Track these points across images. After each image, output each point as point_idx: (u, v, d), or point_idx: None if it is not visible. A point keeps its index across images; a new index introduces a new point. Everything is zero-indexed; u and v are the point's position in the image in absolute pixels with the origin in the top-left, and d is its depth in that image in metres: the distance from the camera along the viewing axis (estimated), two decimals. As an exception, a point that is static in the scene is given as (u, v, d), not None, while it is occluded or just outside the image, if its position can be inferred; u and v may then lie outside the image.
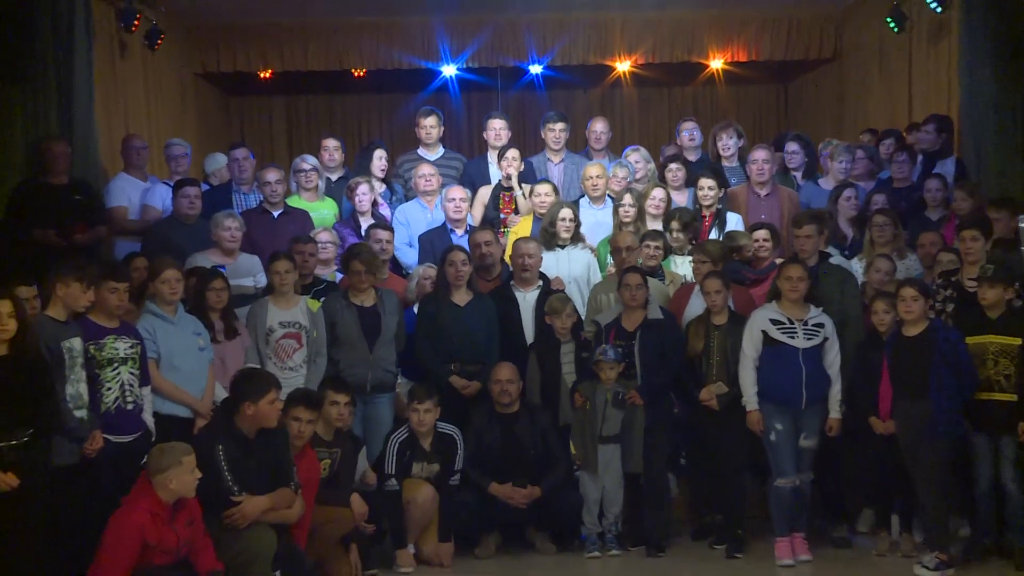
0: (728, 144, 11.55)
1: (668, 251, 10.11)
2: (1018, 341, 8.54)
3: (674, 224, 10.26)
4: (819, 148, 12.13)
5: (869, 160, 11.53)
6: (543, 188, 10.61)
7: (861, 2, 14.58)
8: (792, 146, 12.03)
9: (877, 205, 10.35)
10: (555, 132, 11.46)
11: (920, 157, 11.40)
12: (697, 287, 9.39)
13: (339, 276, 9.80)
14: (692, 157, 11.55)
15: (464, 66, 15.73)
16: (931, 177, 10.86)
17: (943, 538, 8.56)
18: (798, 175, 11.63)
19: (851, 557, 9.09)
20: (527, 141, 13.25)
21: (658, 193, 10.61)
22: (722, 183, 10.79)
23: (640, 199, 10.50)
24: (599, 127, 11.63)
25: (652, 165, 11.44)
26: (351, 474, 8.79)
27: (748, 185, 10.89)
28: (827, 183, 11.35)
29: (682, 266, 10.13)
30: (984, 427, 8.58)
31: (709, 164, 11.26)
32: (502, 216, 10.76)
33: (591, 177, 10.78)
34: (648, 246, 9.88)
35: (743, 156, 11.33)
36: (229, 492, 7.66)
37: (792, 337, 8.77)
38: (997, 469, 8.60)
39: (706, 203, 10.57)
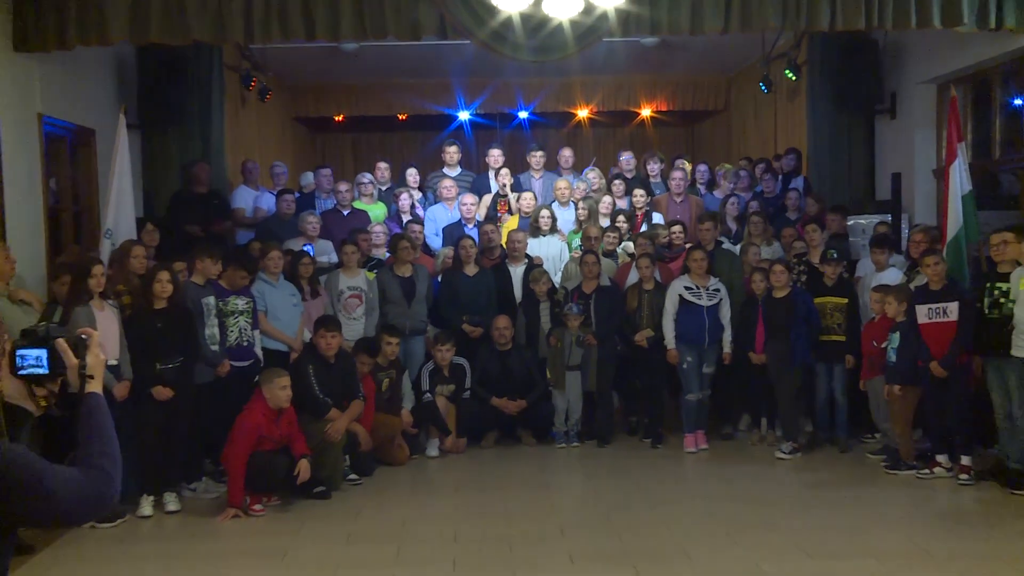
0: (653, 167, 11.56)
1: (622, 239, 10.13)
2: (846, 300, 8.72)
3: (620, 218, 10.31)
4: (715, 170, 12.19)
5: (749, 178, 11.65)
6: (527, 195, 10.61)
7: (742, 71, 14.56)
8: (701, 167, 12.05)
9: (753, 209, 10.44)
10: (536, 158, 11.41)
11: (780, 176, 11.55)
12: (634, 264, 9.43)
13: (387, 255, 9.82)
14: (628, 176, 11.59)
15: (474, 112, 15.79)
16: (790, 190, 10.98)
17: (795, 433, 8.73)
18: (703, 187, 11.71)
19: (734, 447, 9.23)
20: (517, 163, 13.29)
21: (607, 199, 10.69)
22: (649, 192, 10.85)
23: (594, 204, 10.60)
24: (567, 153, 11.62)
25: (604, 180, 11.48)
26: (400, 389, 8.94)
27: (668, 194, 10.94)
28: (720, 193, 11.45)
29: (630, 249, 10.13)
30: (823, 358, 8.75)
31: (640, 180, 11.35)
32: (499, 215, 10.76)
33: (560, 188, 10.74)
34: (609, 236, 9.95)
35: (663, 175, 11.39)
36: (315, 396, 7.91)
37: (699, 298, 8.86)
38: (831, 387, 8.82)
39: (639, 206, 10.62)
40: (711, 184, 11.83)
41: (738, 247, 9.88)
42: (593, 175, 11.47)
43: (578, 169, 11.93)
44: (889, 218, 9.94)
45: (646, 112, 16.22)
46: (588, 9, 7.83)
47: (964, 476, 7.71)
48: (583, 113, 16.21)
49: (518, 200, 10.74)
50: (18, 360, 2.37)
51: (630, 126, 17.33)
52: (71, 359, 2.40)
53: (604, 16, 7.94)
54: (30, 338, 2.39)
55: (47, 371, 2.37)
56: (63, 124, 9.12)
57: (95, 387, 2.42)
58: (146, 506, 7.36)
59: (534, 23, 8.01)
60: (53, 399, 2.42)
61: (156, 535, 7.07)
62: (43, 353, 2.37)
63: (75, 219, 9.53)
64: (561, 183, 10.88)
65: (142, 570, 6.26)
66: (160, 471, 7.49)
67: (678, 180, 10.96)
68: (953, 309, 7.65)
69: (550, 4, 7.70)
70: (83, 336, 2.46)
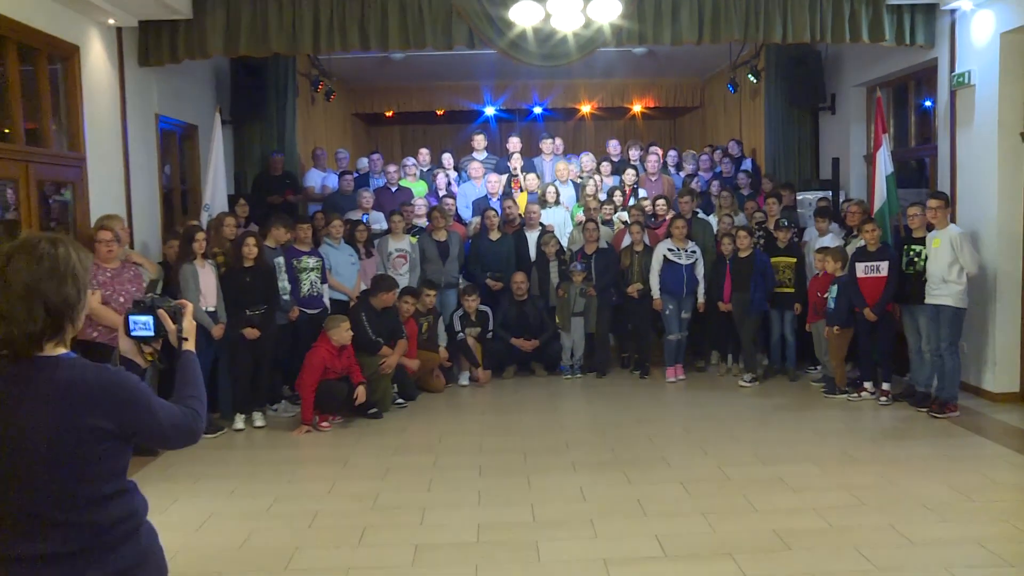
0: (634, 152, 11.50)
1: (617, 210, 10.09)
2: (795, 260, 8.72)
3: (617, 193, 10.30)
4: (682, 154, 12.09)
5: (710, 161, 11.58)
6: (531, 176, 10.62)
7: (714, 76, 14.35)
8: (672, 152, 11.94)
9: (716, 186, 10.41)
10: (547, 144, 11.40)
11: (732, 160, 11.41)
12: (627, 230, 9.40)
13: (427, 223, 9.76)
14: (615, 159, 11.50)
15: (498, 108, 15.69)
16: (741, 172, 10.91)
17: (753, 366, 8.78)
18: (674, 169, 11.63)
19: (705, 377, 9.24)
20: (532, 149, 13.25)
21: (597, 178, 10.67)
22: (636, 173, 10.85)
23: (590, 182, 10.54)
24: (558, 142, 11.59)
25: (595, 163, 11.40)
26: (436, 331, 8.97)
27: (645, 174, 10.92)
28: (683, 174, 11.37)
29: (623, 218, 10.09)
30: (776, 306, 8.77)
31: (624, 162, 11.31)
32: (512, 191, 10.75)
33: (559, 170, 10.71)
34: (605, 208, 9.89)
35: (641, 159, 11.34)
36: (369, 338, 7.95)
37: (679, 258, 8.86)
38: (783, 329, 8.84)
39: (628, 183, 10.55)
40: (679, 166, 11.79)
41: (710, 217, 9.85)
42: (587, 159, 11.43)
43: (577, 152, 11.88)
44: (830, 194, 9.90)
45: (637, 108, 16.06)
46: (587, 24, 7.78)
47: (884, 399, 7.87)
48: (586, 108, 16.03)
49: (524, 180, 10.72)
50: (131, 324, 2.46)
51: (624, 119, 17.12)
52: (170, 324, 2.49)
53: (600, 29, 7.88)
54: (139, 307, 2.48)
55: (152, 333, 2.46)
56: (174, 121, 9.21)
57: (189, 346, 2.54)
58: (239, 422, 7.54)
59: (543, 35, 7.96)
60: (157, 355, 2.51)
61: (247, 444, 7.21)
62: (149, 319, 2.45)
63: (182, 197, 9.63)
64: (560, 165, 10.84)
65: (237, 470, 6.39)
66: (249, 395, 7.62)
67: (652, 162, 10.95)
68: (884, 267, 7.71)
69: (557, 19, 7.65)
70: (179, 306, 2.55)
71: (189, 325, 2.55)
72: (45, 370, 2.14)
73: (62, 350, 2.19)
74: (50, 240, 2.21)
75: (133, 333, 2.47)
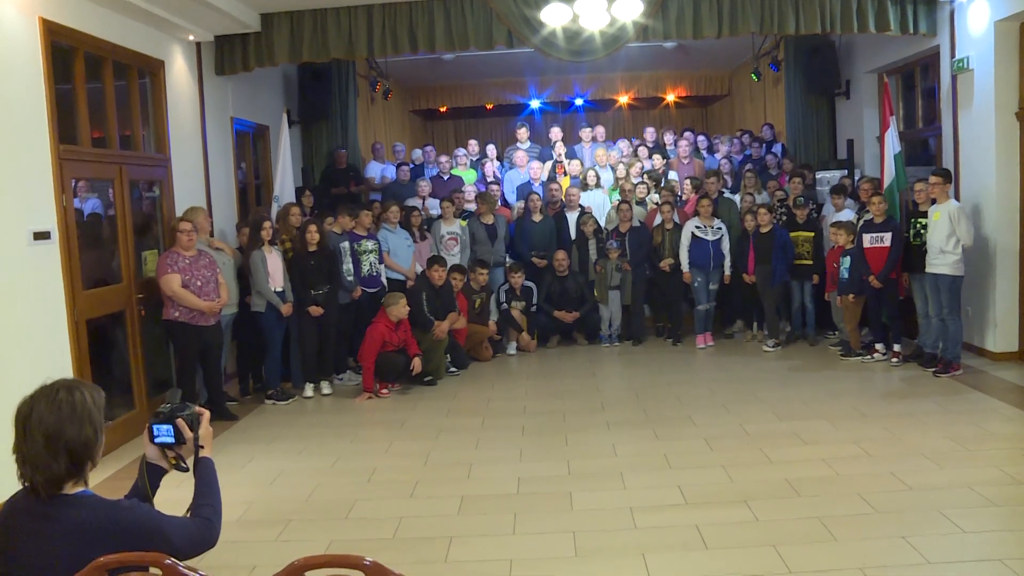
0: (668, 138, 11.44)
1: (649, 191, 10.04)
2: (812, 234, 8.63)
3: (648, 176, 10.25)
4: (712, 138, 11.98)
5: (740, 144, 11.48)
6: (575, 162, 10.63)
7: (740, 66, 14.09)
8: (701, 137, 11.85)
9: (747, 167, 10.24)
10: (586, 132, 11.35)
11: (763, 143, 11.28)
12: (659, 209, 9.36)
13: (476, 208, 9.85)
14: (650, 145, 11.46)
15: (543, 100, 15.65)
16: (770, 154, 10.79)
17: (776, 332, 8.74)
18: (705, 152, 11.57)
19: (732, 344, 9.20)
20: (573, 137, 13.20)
21: (637, 163, 10.63)
22: (665, 157, 10.76)
23: (629, 166, 10.55)
24: (598, 129, 11.66)
25: (632, 148, 11.38)
26: (488, 307, 9.04)
27: (678, 157, 10.89)
28: (719, 156, 11.26)
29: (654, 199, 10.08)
30: (796, 277, 8.69)
31: (659, 147, 11.27)
32: (556, 176, 10.78)
33: (598, 155, 10.68)
34: (639, 189, 9.91)
35: (676, 144, 11.27)
36: (424, 315, 8.07)
37: (706, 234, 8.83)
38: (803, 297, 8.78)
39: (658, 167, 10.49)
40: (710, 149, 11.70)
41: (736, 196, 9.78)
42: (625, 144, 11.39)
43: (615, 140, 11.85)
44: (846, 173, 9.76)
45: (670, 97, 15.87)
46: (612, 22, 7.75)
47: (895, 359, 7.79)
48: (623, 99, 15.91)
49: (568, 165, 10.74)
50: (154, 432, 2.46)
51: (658, 108, 16.92)
52: (188, 433, 2.47)
53: (624, 27, 7.83)
54: (159, 417, 2.48)
55: (173, 440, 2.46)
56: (247, 123, 9.39)
57: (206, 453, 2.51)
58: (308, 390, 7.72)
59: (572, 33, 7.94)
60: (179, 459, 2.49)
61: (316, 410, 7.40)
62: (170, 427, 2.46)
63: (256, 190, 9.84)
64: (599, 151, 10.82)
65: (306, 432, 6.58)
66: (317, 366, 7.80)
67: (684, 147, 10.90)
68: (888, 237, 7.62)
69: (584, 19, 7.65)
70: (196, 415, 2.52)
71: (205, 432, 2.51)
72: (63, 508, 2.12)
73: (81, 487, 2.19)
74: (67, 387, 2.18)
75: (156, 440, 2.46)
